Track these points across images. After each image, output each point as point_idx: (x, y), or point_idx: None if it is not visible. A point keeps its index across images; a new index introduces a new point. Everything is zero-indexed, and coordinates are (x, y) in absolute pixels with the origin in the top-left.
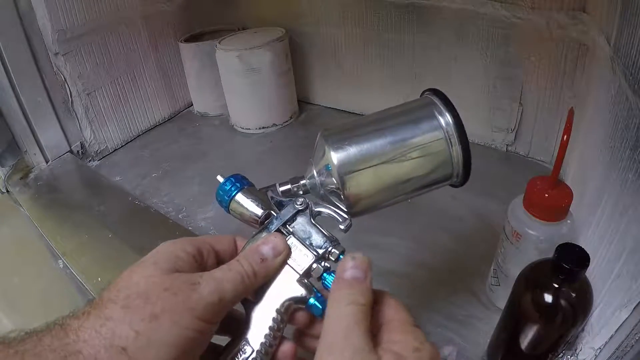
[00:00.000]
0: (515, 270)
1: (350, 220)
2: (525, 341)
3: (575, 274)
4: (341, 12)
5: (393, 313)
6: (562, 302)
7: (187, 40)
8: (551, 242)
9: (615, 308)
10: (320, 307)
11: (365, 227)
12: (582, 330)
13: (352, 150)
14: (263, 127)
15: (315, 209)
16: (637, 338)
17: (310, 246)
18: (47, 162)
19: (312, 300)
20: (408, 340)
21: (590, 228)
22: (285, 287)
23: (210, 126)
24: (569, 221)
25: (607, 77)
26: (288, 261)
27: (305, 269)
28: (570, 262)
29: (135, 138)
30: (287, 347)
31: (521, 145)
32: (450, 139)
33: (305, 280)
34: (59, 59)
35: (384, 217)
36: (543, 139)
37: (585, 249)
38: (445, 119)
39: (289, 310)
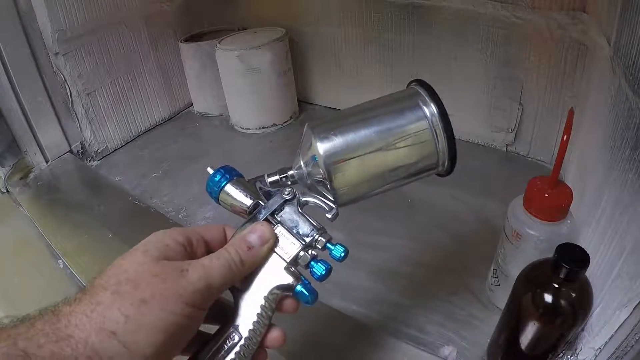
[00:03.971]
0: (515, 270)
1: (337, 210)
2: (525, 341)
3: (575, 274)
4: (341, 12)
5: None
6: (562, 302)
7: (187, 40)
8: (551, 242)
9: (615, 308)
10: (308, 294)
11: (365, 227)
12: (582, 330)
13: (337, 141)
14: (263, 127)
15: (303, 199)
16: (637, 338)
17: (297, 235)
18: (47, 162)
19: (299, 288)
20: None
21: (590, 228)
22: (273, 275)
23: (210, 126)
24: (569, 221)
25: (607, 77)
26: (276, 249)
27: (292, 256)
28: (570, 262)
29: (135, 138)
30: (275, 334)
31: (521, 145)
32: (435, 129)
33: (293, 268)
34: (59, 59)
35: (383, 217)
36: (543, 139)
37: (585, 249)
38: (430, 109)
39: (276, 297)
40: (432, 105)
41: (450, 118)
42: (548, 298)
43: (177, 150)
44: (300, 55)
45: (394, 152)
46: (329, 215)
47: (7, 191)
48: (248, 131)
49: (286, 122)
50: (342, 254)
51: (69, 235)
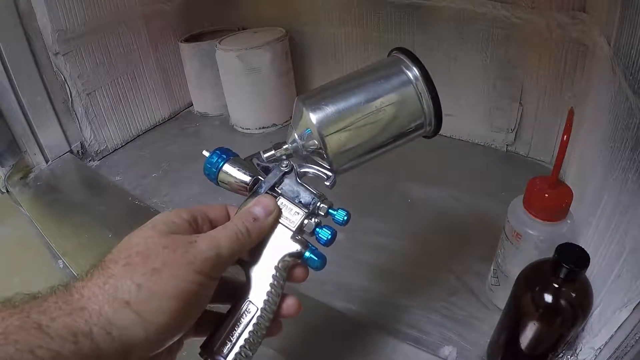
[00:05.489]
0: (515, 270)
1: (335, 177)
2: (525, 341)
3: (575, 274)
4: (341, 12)
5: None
6: (562, 302)
7: (187, 40)
8: (551, 242)
9: (615, 308)
10: (317, 259)
11: (365, 227)
12: (582, 330)
13: (329, 110)
14: (263, 127)
15: (300, 170)
16: (637, 338)
17: (299, 204)
18: (47, 162)
19: (307, 254)
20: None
21: (590, 228)
22: (281, 245)
23: (210, 126)
24: (569, 221)
25: (607, 77)
26: (280, 220)
27: (297, 225)
28: (570, 262)
29: (135, 138)
30: (290, 302)
31: (521, 145)
32: (420, 92)
33: (299, 237)
34: (59, 59)
35: (383, 217)
36: (543, 139)
37: (585, 249)
38: (413, 73)
39: (286, 266)
40: (415, 69)
41: (451, 118)
42: (548, 298)
43: (177, 150)
44: (300, 55)
45: (383, 117)
46: (327, 183)
47: (7, 191)
48: (248, 131)
49: (286, 122)
50: (345, 218)
51: (69, 235)
